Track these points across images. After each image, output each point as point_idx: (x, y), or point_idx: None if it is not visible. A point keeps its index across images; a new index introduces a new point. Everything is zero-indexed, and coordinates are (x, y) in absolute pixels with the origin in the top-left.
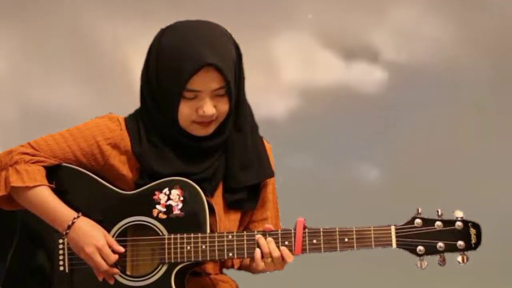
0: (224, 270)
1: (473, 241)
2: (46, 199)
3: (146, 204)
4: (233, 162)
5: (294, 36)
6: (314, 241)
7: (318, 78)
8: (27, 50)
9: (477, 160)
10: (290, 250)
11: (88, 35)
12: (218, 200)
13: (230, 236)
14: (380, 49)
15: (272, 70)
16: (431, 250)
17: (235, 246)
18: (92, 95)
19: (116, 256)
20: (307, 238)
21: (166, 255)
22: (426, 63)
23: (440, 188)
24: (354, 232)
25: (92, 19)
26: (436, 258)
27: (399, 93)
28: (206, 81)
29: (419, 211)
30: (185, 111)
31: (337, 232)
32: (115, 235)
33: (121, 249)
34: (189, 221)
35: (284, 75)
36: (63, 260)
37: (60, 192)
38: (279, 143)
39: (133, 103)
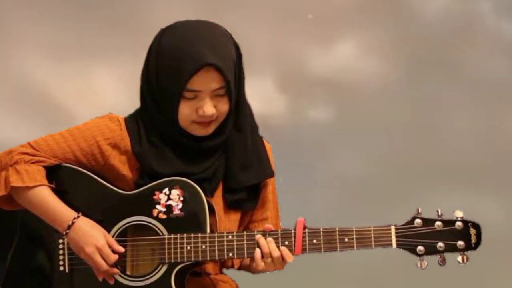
0: (224, 270)
1: (473, 241)
2: (46, 199)
3: (146, 204)
4: (233, 162)
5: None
6: (314, 241)
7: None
8: None
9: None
10: (290, 250)
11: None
12: (218, 200)
13: (230, 236)
14: (329, 84)
15: None
16: (431, 250)
17: (235, 246)
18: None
19: (116, 256)
20: (307, 238)
21: (166, 255)
22: (371, 95)
23: (436, 189)
24: (354, 232)
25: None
26: (436, 258)
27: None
28: (206, 81)
29: (419, 211)
30: (185, 111)
31: (337, 232)
32: (115, 235)
33: (121, 249)
34: (189, 221)
35: None
36: (63, 260)
37: (60, 192)
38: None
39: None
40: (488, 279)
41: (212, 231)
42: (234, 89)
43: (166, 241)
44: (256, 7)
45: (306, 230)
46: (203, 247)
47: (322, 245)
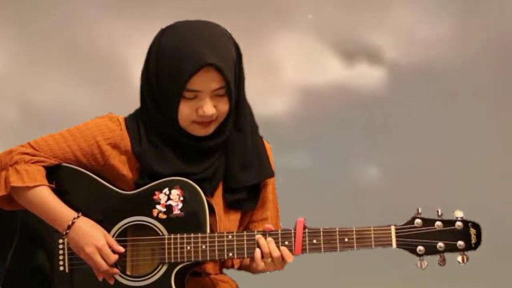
0: (224, 270)
1: (473, 241)
2: (46, 199)
3: (146, 204)
4: (233, 162)
5: (293, 37)
6: (314, 241)
7: (318, 78)
8: (25, 50)
9: (477, 159)
10: (290, 250)
11: (85, 35)
12: (218, 200)
13: (230, 236)
14: (380, 49)
15: (271, 70)
16: (431, 250)
17: (235, 246)
18: (91, 95)
19: (116, 256)
20: (307, 238)
21: (166, 255)
22: (426, 62)
23: (440, 188)
24: (354, 232)
25: (89, 20)
26: (436, 258)
27: (399, 93)
28: (206, 81)
29: (419, 211)
30: (185, 111)
31: (337, 232)
32: (115, 235)
33: (121, 249)
34: (189, 221)
35: (284, 75)
36: (63, 260)
37: (60, 192)
38: (278, 142)
39: (133, 102)
40: (488, 279)
41: (212, 231)
42: (234, 89)
43: (166, 241)
44: None
45: (306, 230)
46: (203, 247)
47: (322, 245)
